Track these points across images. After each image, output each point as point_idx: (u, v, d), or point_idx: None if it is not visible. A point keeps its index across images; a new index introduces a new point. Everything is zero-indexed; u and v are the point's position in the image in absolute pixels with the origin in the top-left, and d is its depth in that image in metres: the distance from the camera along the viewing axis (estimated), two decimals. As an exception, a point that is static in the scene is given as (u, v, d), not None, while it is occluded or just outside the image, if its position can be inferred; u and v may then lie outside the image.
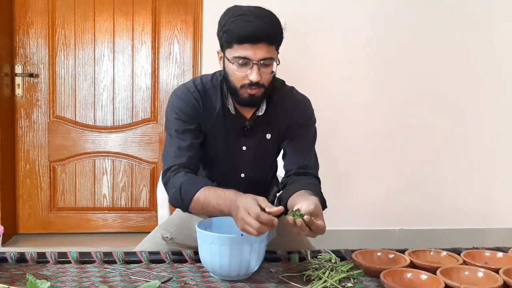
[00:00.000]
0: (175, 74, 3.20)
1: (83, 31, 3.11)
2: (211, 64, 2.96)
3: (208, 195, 1.31)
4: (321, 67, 3.06)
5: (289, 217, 1.20)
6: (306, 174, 1.53)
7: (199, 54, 3.05)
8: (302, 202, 1.26)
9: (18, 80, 3.09)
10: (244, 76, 1.38)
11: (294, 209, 1.22)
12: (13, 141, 3.12)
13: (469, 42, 3.16)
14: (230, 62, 1.38)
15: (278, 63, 1.42)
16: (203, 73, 2.91)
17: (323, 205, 1.45)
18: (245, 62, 1.36)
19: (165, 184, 1.44)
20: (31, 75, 3.10)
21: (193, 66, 3.16)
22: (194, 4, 3.07)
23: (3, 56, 2.99)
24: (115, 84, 3.17)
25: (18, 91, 3.10)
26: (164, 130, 3.16)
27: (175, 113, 1.48)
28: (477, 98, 3.22)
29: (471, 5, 3.14)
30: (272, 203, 1.72)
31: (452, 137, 3.23)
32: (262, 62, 1.36)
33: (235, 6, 1.41)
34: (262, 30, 1.33)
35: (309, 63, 3.04)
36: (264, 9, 1.40)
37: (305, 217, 1.19)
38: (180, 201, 1.37)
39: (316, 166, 1.58)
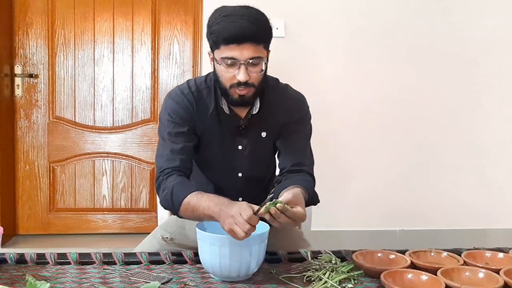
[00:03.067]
0: (175, 75, 3.19)
1: (83, 31, 3.10)
2: (211, 65, 2.99)
3: (201, 199, 1.31)
4: (319, 65, 3.05)
5: (261, 211, 1.18)
6: (300, 171, 1.53)
7: (199, 55, 3.05)
8: (283, 194, 1.27)
9: (17, 80, 3.09)
10: (232, 76, 1.38)
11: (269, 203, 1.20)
12: (12, 142, 3.11)
13: (470, 43, 3.15)
14: (218, 63, 1.39)
15: (266, 61, 1.41)
16: (203, 73, 2.94)
17: (314, 200, 1.47)
18: (233, 62, 1.36)
19: (158, 187, 1.44)
20: (30, 76, 3.09)
21: (193, 67, 3.16)
22: (194, 4, 3.07)
23: (2, 56, 2.98)
24: (115, 85, 3.17)
25: (18, 92, 3.09)
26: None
27: (169, 115, 1.48)
28: (478, 98, 3.22)
29: (472, 7, 3.13)
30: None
31: (452, 138, 3.22)
32: (249, 61, 1.36)
33: (223, 7, 1.40)
34: (247, 30, 1.33)
35: (307, 61, 3.03)
36: (250, 8, 1.39)
37: (278, 205, 1.17)
38: (171, 203, 1.37)
39: (311, 163, 1.58)
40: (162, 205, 1.42)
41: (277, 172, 1.70)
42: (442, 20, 3.12)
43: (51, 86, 3.12)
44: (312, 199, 1.46)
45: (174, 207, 1.36)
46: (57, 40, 3.09)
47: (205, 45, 2.93)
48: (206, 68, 2.96)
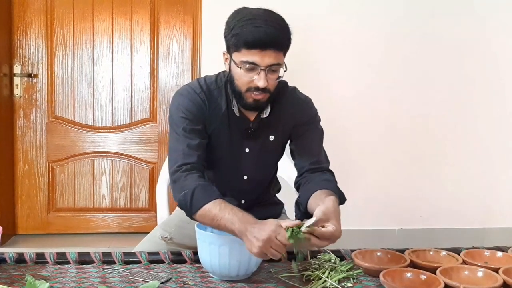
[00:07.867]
0: (174, 74, 3.19)
1: (82, 31, 3.10)
2: (210, 64, 2.99)
3: (224, 210, 1.25)
4: (323, 66, 3.05)
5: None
6: (319, 169, 1.51)
7: (198, 54, 3.04)
8: (315, 211, 1.23)
9: (16, 80, 3.08)
10: (250, 81, 1.36)
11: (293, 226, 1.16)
12: (11, 142, 3.11)
13: (472, 41, 3.15)
14: (237, 66, 1.36)
15: (285, 69, 1.40)
16: (202, 73, 2.96)
17: (342, 199, 1.43)
18: (253, 67, 1.34)
19: (174, 182, 1.38)
20: (29, 75, 3.09)
21: (192, 66, 3.15)
22: (193, 3, 3.06)
23: (1, 56, 2.98)
24: (114, 84, 3.17)
25: (17, 91, 3.09)
26: (162, 131, 3.20)
27: (182, 112, 1.44)
28: (477, 98, 3.22)
29: (472, 7, 3.14)
30: (272, 205, 1.72)
31: (452, 137, 3.23)
32: (269, 68, 1.34)
33: (245, 9, 1.38)
34: (271, 36, 1.32)
35: (307, 62, 3.03)
36: (273, 13, 1.38)
37: (303, 228, 1.14)
38: (189, 205, 1.31)
39: (327, 160, 1.57)
40: (179, 204, 1.37)
41: (282, 173, 1.69)
42: (444, 21, 3.12)
43: (50, 85, 3.12)
44: (340, 200, 1.41)
45: (191, 210, 1.32)
46: (56, 39, 3.09)
47: (204, 45, 2.97)
48: (205, 67, 2.96)
